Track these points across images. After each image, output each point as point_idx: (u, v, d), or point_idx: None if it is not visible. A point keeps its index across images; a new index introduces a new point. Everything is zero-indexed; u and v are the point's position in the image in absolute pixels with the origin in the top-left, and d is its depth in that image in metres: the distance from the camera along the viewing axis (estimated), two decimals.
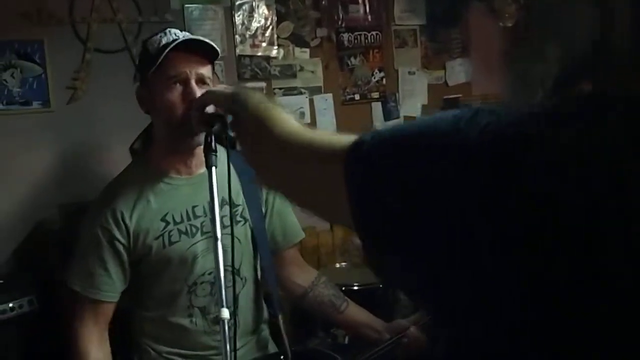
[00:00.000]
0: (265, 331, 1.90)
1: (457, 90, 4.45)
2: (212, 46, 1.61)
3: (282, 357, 1.90)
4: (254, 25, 3.77)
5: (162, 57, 1.52)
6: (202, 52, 1.60)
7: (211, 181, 1.39)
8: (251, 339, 1.83)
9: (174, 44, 1.54)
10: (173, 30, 1.62)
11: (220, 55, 3.55)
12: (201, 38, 1.59)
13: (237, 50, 3.75)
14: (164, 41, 1.58)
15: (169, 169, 1.68)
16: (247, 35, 3.76)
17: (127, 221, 1.63)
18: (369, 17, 4.11)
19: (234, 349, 1.71)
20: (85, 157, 3.36)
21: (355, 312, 1.96)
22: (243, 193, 1.77)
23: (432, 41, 4.35)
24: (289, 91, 3.93)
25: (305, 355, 2.75)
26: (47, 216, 3.07)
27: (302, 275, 1.98)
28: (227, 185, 1.70)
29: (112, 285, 1.65)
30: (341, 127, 4.10)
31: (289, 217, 1.92)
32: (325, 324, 2.95)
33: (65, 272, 1.67)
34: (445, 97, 4.44)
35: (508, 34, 3.86)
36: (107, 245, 1.63)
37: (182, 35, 1.61)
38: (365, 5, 4.09)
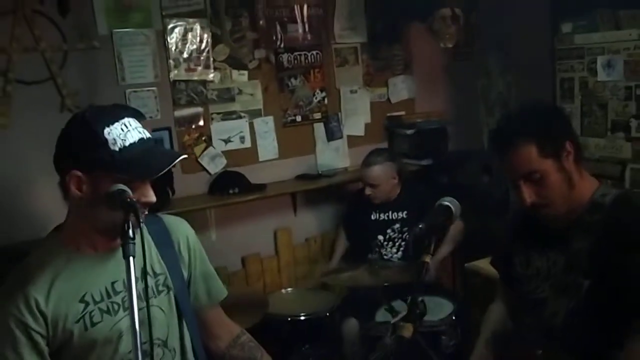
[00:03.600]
0: None
1: (400, 107, 4.41)
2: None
3: None
4: (189, 48, 3.63)
5: (139, 166, 1.42)
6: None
7: (129, 272, 1.27)
8: None
9: (158, 161, 1.45)
10: (133, 124, 1.50)
11: (153, 81, 3.55)
12: (172, 152, 1.49)
13: (172, 75, 3.61)
14: (129, 139, 1.45)
15: (84, 246, 1.55)
16: (182, 60, 3.62)
17: (43, 308, 1.47)
18: (309, 36, 4.01)
19: None
20: (11, 194, 3.17)
21: None
22: (164, 261, 1.68)
23: (374, 58, 4.29)
24: (228, 115, 3.80)
25: None
26: None
27: (223, 335, 1.89)
28: (147, 254, 1.58)
29: None
30: (283, 149, 4.01)
31: (212, 278, 1.84)
32: None
33: None
34: (389, 114, 4.39)
35: (449, 52, 3.88)
36: (23, 338, 1.46)
37: (143, 132, 1.51)
38: (304, 25, 3.99)
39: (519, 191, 1.72)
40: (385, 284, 2.89)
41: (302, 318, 3.33)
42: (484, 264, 2.89)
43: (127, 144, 1.46)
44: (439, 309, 3.18)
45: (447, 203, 1.60)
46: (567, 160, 1.72)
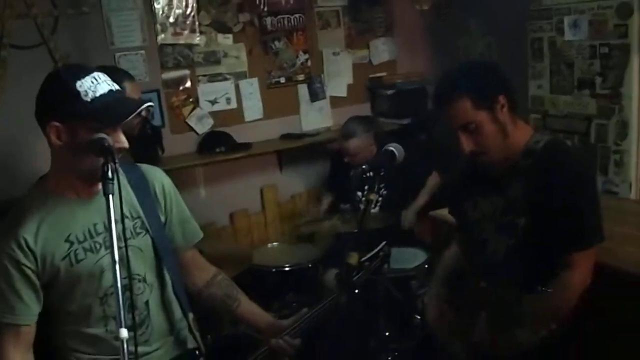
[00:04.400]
0: (184, 330, 2.00)
1: (382, 68, 4.58)
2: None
3: (196, 351, 2.00)
4: (175, 12, 3.79)
5: (112, 114, 1.59)
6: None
7: (109, 208, 1.44)
8: (168, 339, 1.94)
9: (126, 108, 1.61)
10: (102, 77, 1.67)
11: (141, 45, 3.71)
12: (139, 104, 1.65)
13: (159, 39, 3.78)
14: (99, 91, 1.60)
15: (67, 192, 1.73)
16: (168, 24, 3.78)
17: (32, 247, 1.66)
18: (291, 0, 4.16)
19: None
20: (10, 154, 3.37)
21: (244, 312, 2.08)
22: (141, 206, 1.87)
23: (356, 21, 4.43)
24: (214, 77, 3.98)
25: (231, 339, 2.88)
26: None
27: (199, 275, 2.04)
28: (126, 199, 1.77)
29: (25, 309, 1.70)
30: (268, 110, 4.19)
31: (188, 222, 1.98)
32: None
33: None
34: (371, 75, 4.55)
35: (430, 13, 4.04)
36: (16, 273, 1.66)
37: (112, 84, 1.67)
38: None
39: (458, 141, 1.90)
40: (355, 231, 3.08)
41: (287, 269, 3.53)
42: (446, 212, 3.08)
43: (97, 94, 1.61)
44: (413, 258, 3.40)
45: (391, 148, 1.76)
46: (501, 112, 1.88)
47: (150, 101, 1.72)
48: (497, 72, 1.98)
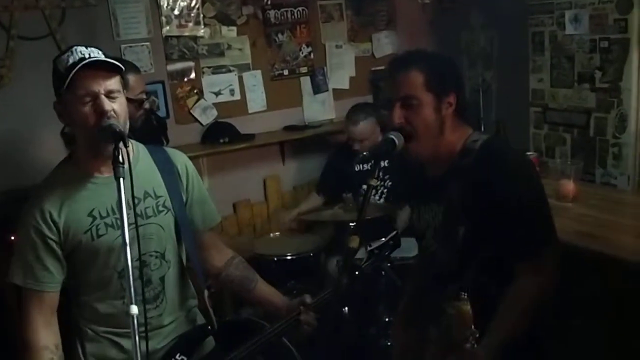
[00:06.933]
0: (196, 307, 2.09)
1: (384, 61, 4.57)
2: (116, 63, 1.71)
3: (208, 327, 2.06)
4: (179, 5, 3.83)
5: (69, 77, 1.64)
6: (109, 67, 1.71)
7: (120, 190, 1.49)
8: (180, 315, 2.02)
9: (80, 64, 1.65)
10: (79, 49, 1.72)
11: (146, 37, 3.76)
12: (106, 59, 1.69)
13: (164, 32, 3.82)
14: (70, 60, 1.65)
15: (92, 170, 1.79)
16: (173, 16, 3.82)
17: (56, 219, 1.75)
18: None
19: (164, 325, 1.94)
20: (16, 143, 3.42)
21: (261, 293, 2.15)
22: (165, 186, 1.90)
23: (358, 14, 4.48)
24: (218, 69, 4.03)
25: (236, 324, 2.94)
26: None
27: (218, 257, 2.11)
28: (151, 178, 1.87)
29: (50, 277, 1.79)
30: (271, 102, 4.24)
31: (207, 205, 2.04)
32: None
33: (9, 269, 1.80)
34: (373, 68, 4.60)
35: (433, 7, 3.96)
36: (40, 244, 1.76)
37: (88, 53, 1.71)
38: None
39: (393, 111, 1.80)
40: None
41: (288, 258, 3.60)
42: None
43: (68, 64, 1.66)
44: (413, 247, 3.44)
45: (392, 136, 1.78)
46: (446, 108, 1.80)
47: (120, 64, 1.73)
48: (457, 71, 1.94)
